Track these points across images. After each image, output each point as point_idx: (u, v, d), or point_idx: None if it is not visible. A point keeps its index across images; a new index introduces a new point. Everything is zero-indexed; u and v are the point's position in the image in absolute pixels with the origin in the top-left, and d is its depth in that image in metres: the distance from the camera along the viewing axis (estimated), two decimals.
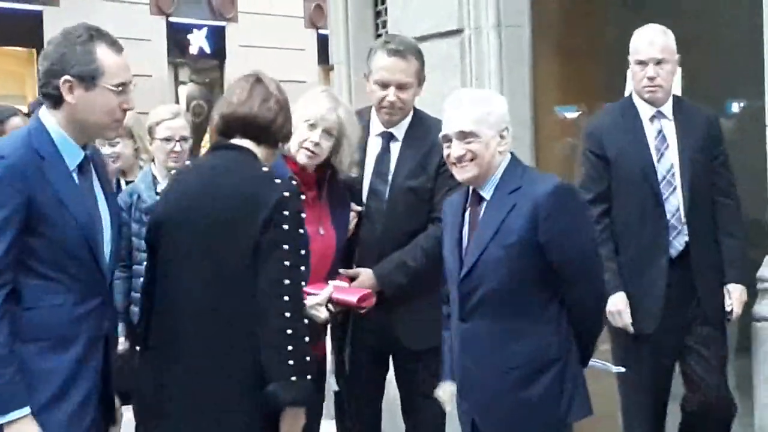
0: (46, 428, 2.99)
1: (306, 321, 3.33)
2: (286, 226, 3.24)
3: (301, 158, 3.96)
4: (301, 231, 3.31)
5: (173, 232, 3.39)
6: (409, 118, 4.29)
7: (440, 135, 3.55)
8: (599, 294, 3.60)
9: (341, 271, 4.10)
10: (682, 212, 4.40)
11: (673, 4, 5.33)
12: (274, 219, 3.24)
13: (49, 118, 3.11)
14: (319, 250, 3.83)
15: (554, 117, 6.02)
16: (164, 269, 3.40)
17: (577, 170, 4.64)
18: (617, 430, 4.67)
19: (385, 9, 6.29)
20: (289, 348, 3.19)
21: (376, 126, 4.31)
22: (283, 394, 3.19)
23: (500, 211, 3.44)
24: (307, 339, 3.24)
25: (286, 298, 3.22)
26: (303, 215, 3.33)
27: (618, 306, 4.39)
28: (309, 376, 3.24)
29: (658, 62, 4.41)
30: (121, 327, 4.60)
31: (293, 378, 3.19)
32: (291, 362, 3.18)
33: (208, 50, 18.62)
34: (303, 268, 3.31)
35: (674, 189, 4.41)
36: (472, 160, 3.47)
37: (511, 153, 3.57)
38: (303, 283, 3.33)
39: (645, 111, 4.49)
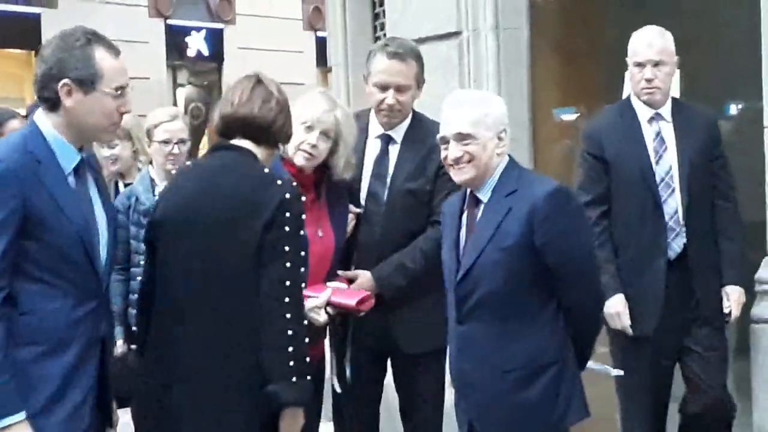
0: None
1: (305, 323, 3.34)
2: (287, 228, 3.26)
3: (299, 160, 3.96)
4: (302, 233, 3.32)
5: (173, 232, 3.40)
6: (408, 121, 4.29)
7: (438, 136, 3.55)
8: (596, 296, 3.60)
9: (340, 272, 4.10)
10: (680, 214, 4.40)
11: (672, 5, 5.32)
12: (276, 220, 3.25)
13: (44, 121, 3.10)
14: (317, 252, 3.83)
15: (552, 119, 6.02)
16: (164, 269, 3.41)
17: (576, 172, 4.64)
18: None
19: (384, 11, 6.29)
20: (290, 349, 3.21)
21: (375, 128, 4.31)
22: (283, 395, 3.21)
23: (497, 214, 3.44)
24: (306, 340, 3.26)
25: (287, 299, 3.23)
26: (303, 217, 3.34)
27: (617, 308, 4.39)
28: (308, 377, 3.25)
29: (656, 64, 4.41)
30: (119, 329, 4.61)
31: (294, 379, 3.21)
32: (291, 363, 3.20)
33: (206, 52, 18.62)
34: (303, 269, 3.32)
35: (673, 191, 4.41)
36: (469, 161, 3.47)
37: (509, 155, 3.57)
38: (303, 285, 3.34)
39: (643, 113, 4.49)
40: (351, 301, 3.90)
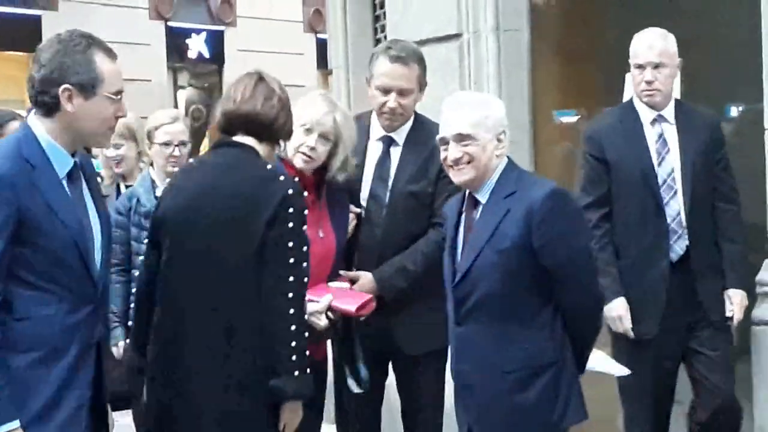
0: None
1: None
2: (291, 224, 3.30)
3: (298, 162, 3.96)
4: (305, 227, 3.34)
5: (176, 229, 3.42)
6: (410, 123, 4.29)
7: (437, 138, 3.56)
8: (594, 298, 3.59)
9: (342, 272, 4.10)
10: (683, 216, 4.39)
11: (673, 6, 5.32)
12: (279, 216, 3.28)
13: (38, 125, 3.08)
14: (319, 253, 3.84)
15: (553, 121, 6.02)
16: (166, 268, 3.43)
17: (577, 174, 4.64)
18: None
19: (384, 13, 6.29)
20: (293, 344, 3.27)
21: (377, 130, 4.31)
22: (286, 389, 3.28)
23: (495, 216, 3.45)
24: (306, 334, 3.32)
25: (291, 294, 3.29)
26: (306, 212, 3.36)
27: (618, 311, 4.38)
28: (308, 370, 3.31)
29: (656, 66, 4.40)
30: (120, 331, 4.61)
31: (296, 373, 3.27)
32: (294, 358, 3.26)
33: (207, 55, 18.64)
34: (305, 264, 3.34)
35: (675, 193, 4.40)
36: (469, 162, 3.47)
37: (508, 157, 3.58)
38: (306, 280, 3.38)
39: (646, 115, 4.48)
40: (351, 307, 3.90)
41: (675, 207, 4.40)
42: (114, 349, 4.57)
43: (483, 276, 3.43)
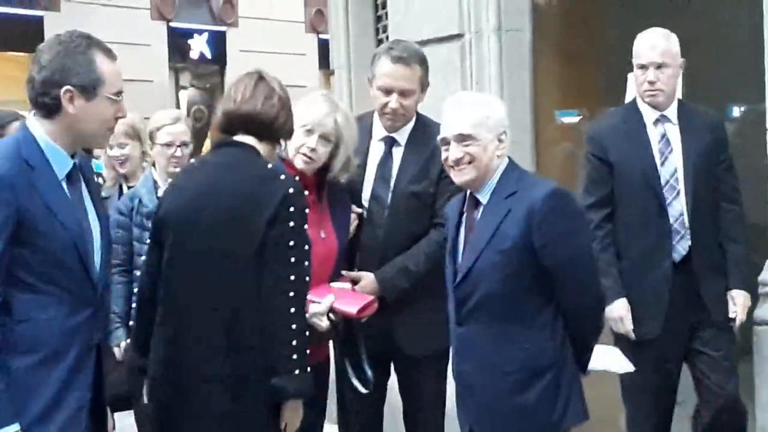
0: None
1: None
2: (291, 223, 3.31)
3: (298, 163, 3.96)
4: (306, 227, 3.35)
5: (177, 229, 3.43)
6: (411, 123, 4.29)
7: (438, 138, 3.56)
8: (595, 298, 3.59)
9: (344, 273, 4.10)
10: (685, 217, 4.38)
11: (674, 6, 5.32)
12: (280, 216, 3.29)
13: (37, 127, 3.07)
14: (321, 254, 3.84)
15: (555, 121, 6.01)
16: (168, 268, 3.44)
17: (578, 174, 4.64)
18: None
19: (386, 14, 6.29)
20: (294, 343, 3.29)
21: (379, 130, 4.31)
22: (287, 388, 3.29)
23: (496, 216, 3.45)
24: (307, 333, 3.34)
25: (292, 293, 3.30)
26: (307, 211, 3.38)
27: (620, 312, 4.38)
28: (308, 369, 3.32)
29: (659, 66, 4.39)
30: (122, 331, 4.61)
31: (296, 371, 3.29)
32: (295, 356, 3.28)
33: (208, 55, 18.64)
34: (306, 263, 3.36)
35: (678, 193, 4.39)
36: (470, 163, 3.48)
37: (509, 157, 3.58)
38: (307, 279, 3.39)
39: (649, 115, 4.47)
40: (352, 309, 3.90)
41: (678, 207, 4.39)
42: (116, 350, 4.57)
43: (484, 276, 3.43)
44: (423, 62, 4.25)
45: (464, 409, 3.59)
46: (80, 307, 3.05)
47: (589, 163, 4.52)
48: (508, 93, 5.38)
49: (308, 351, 3.34)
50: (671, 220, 4.39)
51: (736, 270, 4.44)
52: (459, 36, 5.54)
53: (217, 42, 18.64)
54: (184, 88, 18.83)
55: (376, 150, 4.30)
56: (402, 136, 4.28)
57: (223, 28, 18.69)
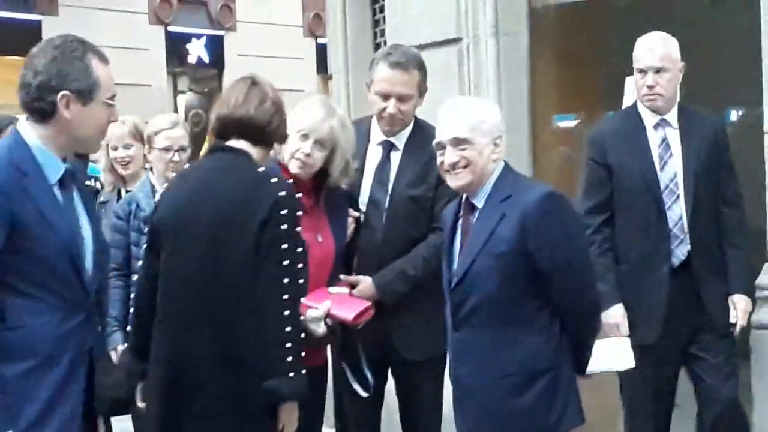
0: None
1: (303, 335, 3.44)
2: (284, 226, 3.33)
3: (293, 168, 3.95)
4: (298, 229, 3.37)
5: (172, 234, 3.46)
6: (410, 128, 4.29)
7: (434, 142, 3.57)
8: (592, 302, 3.59)
9: (342, 277, 4.10)
10: (684, 221, 4.37)
11: (672, 11, 5.32)
12: (272, 219, 3.32)
13: (29, 131, 3.06)
14: (318, 257, 3.85)
15: (552, 125, 6.02)
16: (165, 273, 3.46)
17: (577, 178, 4.64)
18: None
19: (384, 18, 6.29)
20: (288, 345, 3.31)
21: (377, 135, 4.32)
22: (282, 390, 3.31)
23: (491, 220, 3.46)
24: (302, 336, 3.37)
25: (286, 296, 3.32)
26: (300, 213, 3.39)
27: (616, 318, 4.36)
28: (303, 371, 3.34)
29: (658, 70, 4.38)
30: (119, 335, 4.61)
31: (291, 374, 3.31)
32: (289, 359, 3.30)
33: (206, 59, 18.66)
34: (301, 265, 3.37)
35: (677, 198, 4.38)
36: (465, 167, 3.48)
37: (504, 161, 3.58)
38: (301, 281, 3.40)
39: (649, 119, 4.46)
40: (348, 316, 3.90)
41: (677, 212, 4.38)
42: (112, 354, 4.57)
43: (479, 280, 3.44)
44: (421, 67, 4.25)
45: (461, 413, 3.59)
46: (73, 313, 3.04)
47: (588, 166, 4.52)
48: (506, 97, 5.39)
49: (304, 354, 3.36)
50: (670, 225, 4.38)
51: (738, 274, 4.43)
52: (457, 40, 5.54)
53: (215, 46, 18.66)
54: (182, 92, 18.84)
55: (374, 154, 4.30)
56: (400, 140, 4.28)
57: (221, 33, 18.71)
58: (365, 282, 4.12)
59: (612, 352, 3.87)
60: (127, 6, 16.70)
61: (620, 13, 5.74)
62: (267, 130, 3.54)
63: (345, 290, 4.04)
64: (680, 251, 4.39)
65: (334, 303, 3.87)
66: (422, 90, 4.27)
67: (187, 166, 4.13)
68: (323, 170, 4.03)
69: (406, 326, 4.18)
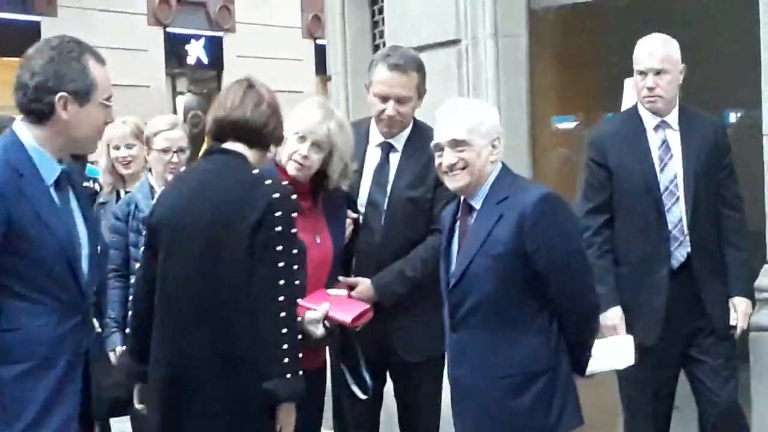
0: None
1: (301, 336, 3.44)
2: (279, 228, 3.33)
3: (291, 170, 3.94)
4: (294, 231, 3.37)
5: (169, 236, 3.46)
6: (408, 129, 4.29)
7: (432, 144, 3.57)
8: (590, 303, 3.58)
9: (340, 278, 4.10)
10: (684, 223, 4.36)
11: (672, 13, 5.33)
12: (266, 221, 3.33)
13: (25, 132, 3.04)
14: (316, 258, 3.85)
15: (551, 127, 6.02)
16: (162, 272, 3.47)
17: (576, 180, 4.63)
18: None
19: (383, 19, 6.29)
20: (285, 346, 3.31)
21: (376, 136, 4.31)
22: (279, 391, 3.32)
23: (488, 221, 3.46)
24: (300, 336, 3.38)
25: (282, 298, 3.32)
26: (295, 215, 3.39)
27: (614, 321, 4.35)
28: (300, 372, 3.34)
29: (658, 72, 4.37)
30: (118, 336, 4.60)
31: (288, 375, 3.32)
32: (286, 360, 3.31)
33: (205, 60, 18.66)
34: (297, 267, 3.38)
35: (677, 199, 4.37)
36: (463, 168, 3.48)
37: (502, 163, 3.58)
38: (297, 282, 3.42)
39: (649, 121, 4.46)
40: (346, 318, 3.90)
41: (677, 213, 4.38)
42: (111, 355, 4.57)
43: (477, 281, 3.44)
44: (420, 69, 4.25)
45: (460, 414, 3.59)
46: (69, 315, 3.03)
47: (588, 168, 4.51)
48: (505, 98, 5.38)
49: (301, 355, 3.37)
50: (670, 227, 4.37)
51: (738, 277, 4.43)
52: (456, 41, 5.53)
53: (214, 47, 18.66)
54: (181, 93, 18.85)
55: (373, 156, 4.30)
56: (399, 142, 4.28)
57: (220, 34, 18.71)
58: (364, 283, 4.12)
59: (612, 351, 3.87)
60: (126, 7, 16.70)
61: (619, 14, 5.74)
62: (263, 133, 3.55)
63: (344, 292, 4.03)
64: (680, 253, 4.38)
65: (333, 305, 3.87)
66: (421, 92, 4.27)
67: (182, 168, 4.13)
68: (321, 172, 4.02)
69: (405, 328, 4.18)
